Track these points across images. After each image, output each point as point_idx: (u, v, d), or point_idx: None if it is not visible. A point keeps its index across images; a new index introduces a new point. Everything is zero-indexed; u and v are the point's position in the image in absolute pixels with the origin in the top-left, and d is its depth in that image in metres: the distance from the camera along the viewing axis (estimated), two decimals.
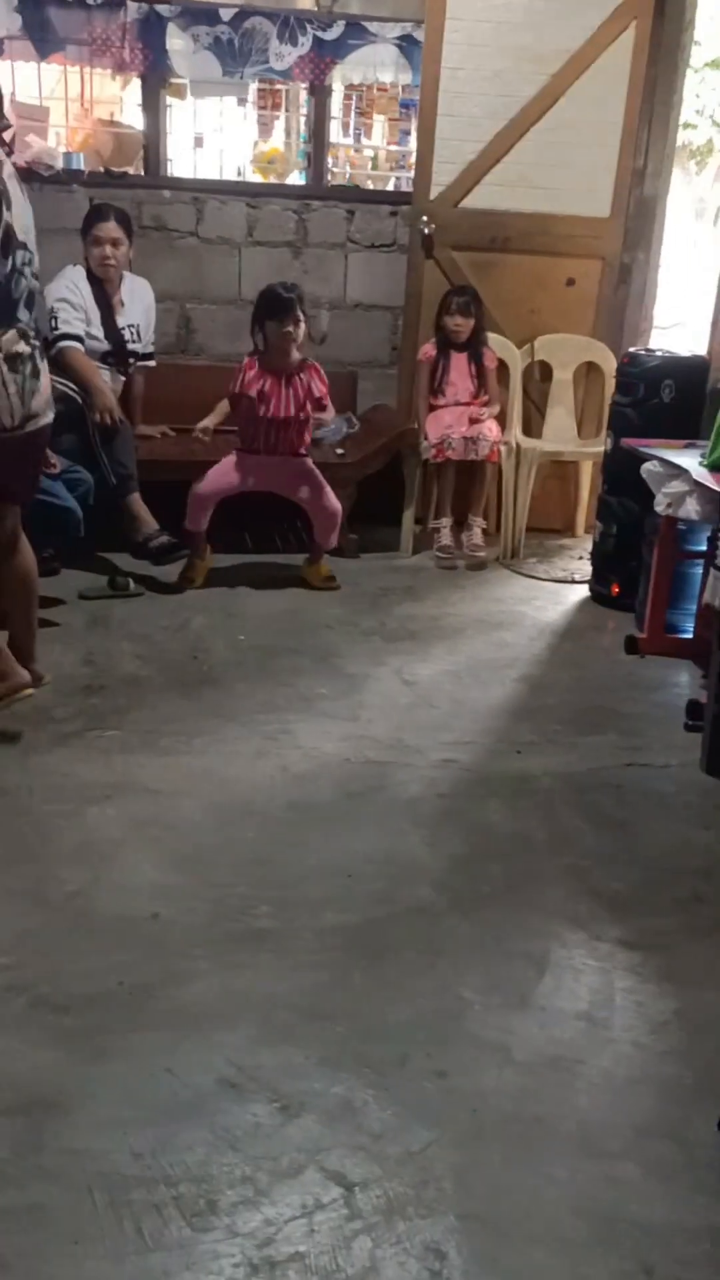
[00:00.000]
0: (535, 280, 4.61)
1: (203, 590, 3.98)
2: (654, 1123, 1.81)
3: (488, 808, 2.71)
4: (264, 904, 2.29)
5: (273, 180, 5.12)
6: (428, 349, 4.50)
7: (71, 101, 5.17)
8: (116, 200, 4.35)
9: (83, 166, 4.70)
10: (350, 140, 5.70)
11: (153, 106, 4.68)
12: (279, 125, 5.86)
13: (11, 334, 2.68)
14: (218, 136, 5.36)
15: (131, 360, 4.21)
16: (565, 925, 2.29)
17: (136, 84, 4.86)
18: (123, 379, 4.21)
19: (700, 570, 3.54)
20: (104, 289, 4.09)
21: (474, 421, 4.36)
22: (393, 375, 4.83)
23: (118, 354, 4.14)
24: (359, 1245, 1.56)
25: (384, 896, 2.35)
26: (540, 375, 4.74)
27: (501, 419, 4.54)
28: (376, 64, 4.60)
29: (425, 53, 4.35)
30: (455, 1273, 1.53)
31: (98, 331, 4.07)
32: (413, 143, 5.13)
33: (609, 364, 4.59)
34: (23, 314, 2.72)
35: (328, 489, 4.02)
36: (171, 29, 4.45)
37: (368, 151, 5.85)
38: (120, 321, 4.14)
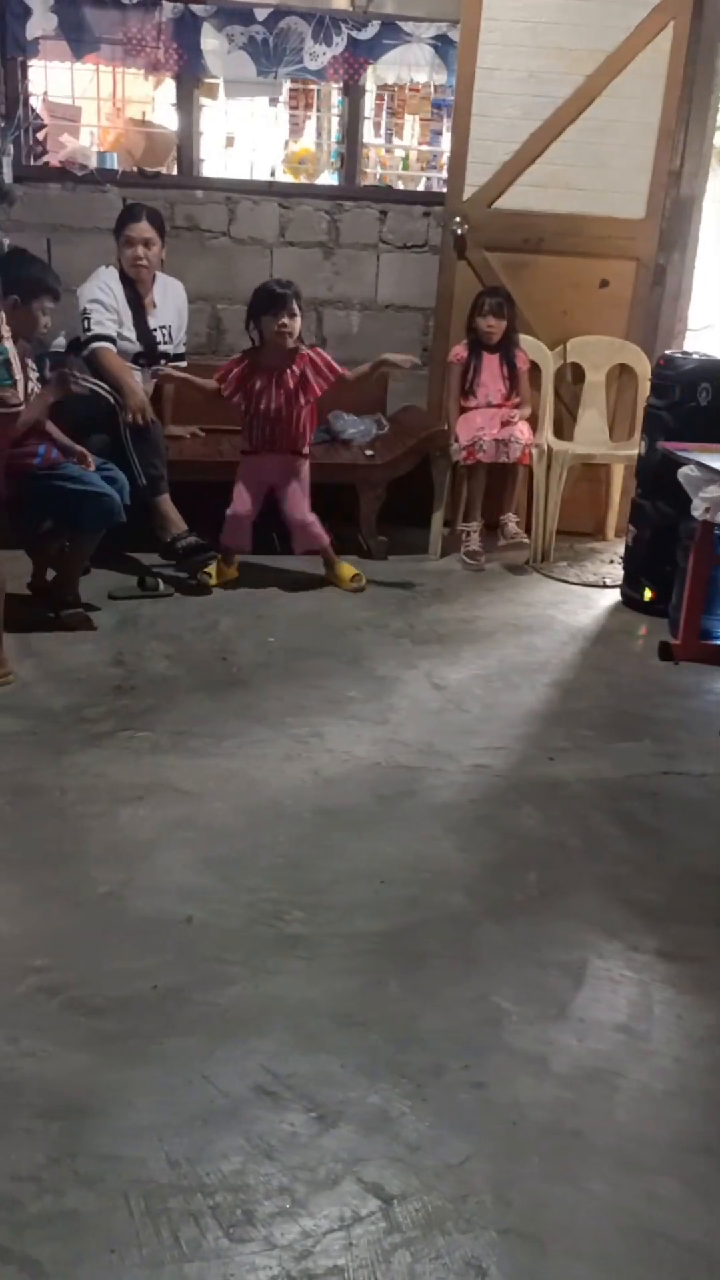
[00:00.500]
0: (568, 281, 4.58)
1: (231, 591, 3.97)
2: (695, 1138, 1.78)
3: (520, 814, 2.69)
4: (296, 909, 2.27)
5: (304, 180, 5.11)
6: (459, 350, 4.48)
7: (104, 101, 5.19)
8: (149, 200, 4.36)
9: (116, 166, 4.70)
10: (381, 140, 5.68)
11: (186, 106, 4.68)
12: (310, 125, 5.85)
13: None
14: (249, 136, 5.36)
15: (163, 361, 4.21)
16: (601, 935, 2.26)
17: (169, 83, 4.87)
18: (154, 380, 4.21)
19: None
20: (136, 290, 4.09)
21: (505, 424, 4.33)
22: (423, 376, 4.80)
23: (149, 355, 4.14)
24: (398, 1260, 1.54)
25: (417, 903, 2.33)
26: (572, 377, 4.70)
27: (533, 421, 4.51)
28: (411, 64, 4.59)
29: (460, 53, 4.33)
30: None
31: (129, 332, 4.07)
32: (444, 143, 5.12)
33: (642, 366, 4.56)
34: None
35: (304, 498, 3.99)
36: (206, 29, 4.45)
37: (399, 152, 5.83)
38: (152, 323, 4.14)
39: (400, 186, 5.37)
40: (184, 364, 4.34)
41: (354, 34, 4.51)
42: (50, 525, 3.61)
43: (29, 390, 3.46)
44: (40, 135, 4.70)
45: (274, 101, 5.37)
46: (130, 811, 2.58)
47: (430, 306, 4.73)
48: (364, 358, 4.68)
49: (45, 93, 4.78)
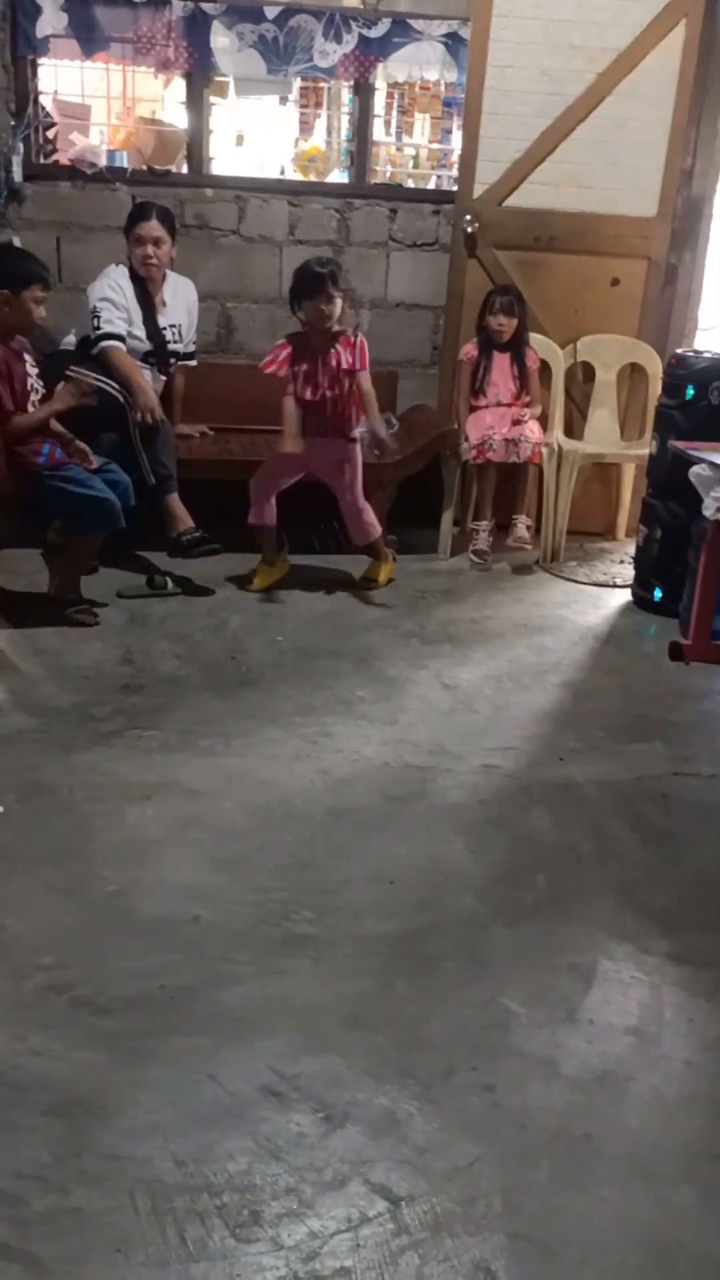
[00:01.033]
0: (579, 280, 4.56)
1: (239, 590, 3.96)
2: (708, 1145, 1.76)
3: (531, 816, 2.67)
4: (305, 909, 2.26)
5: (314, 179, 5.10)
6: (469, 349, 4.46)
7: (114, 99, 5.18)
8: (159, 198, 4.35)
9: (125, 164, 4.70)
10: (392, 139, 5.67)
11: (196, 105, 4.68)
12: (320, 123, 5.84)
13: None
14: (259, 135, 5.36)
15: (172, 360, 4.20)
16: (612, 938, 2.24)
17: (178, 82, 4.86)
18: (164, 379, 4.21)
19: None
20: (146, 288, 4.08)
21: (515, 423, 4.31)
22: (433, 375, 4.79)
23: (159, 354, 4.14)
24: (406, 1262, 1.52)
25: (426, 904, 2.31)
26: (583, 376, 4.68)
27: (543, 420, 4.49)
28: (422, 62, 4.57)
29: (471, 50, 4.31)
30: None
31: (139, 331, 4.06)
32: (455, 141, 5.11)
33: (653, 365, 4.53)
34: None
35: (358, 484, 3.97)
36: (216, 27, 4.45)
37: (409, 150, 5.82)
38: (162, 321, 4.13)
39: (410, 185, 5.35)
40: (193, 363, 4.34)
41: (365, 32, 4.50)
42: (57, 525, 3.62)
43: (30, 388, 3.46)
44: (50, 134, 4.70)
45: (284, 100, 5.37)
46: (138, 810, 2.58)
47: (440, 305, 4.72)
48: (375, 356, 4.66)
49: (55, 91, 4.78)
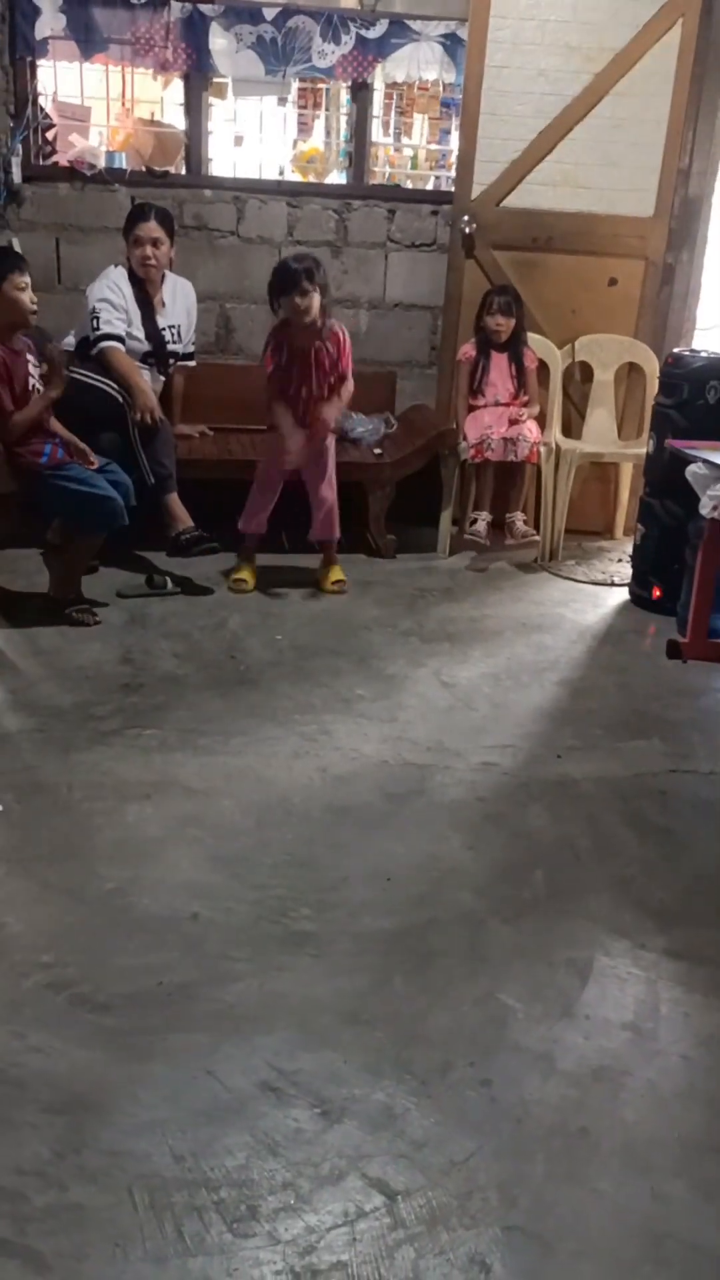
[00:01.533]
0: (577, 280, 4.57)
1: (233, 592, 3.96)
2: (703, 1139, 1.77)
3: (529, 813, 2.68)
4: (303, 906, 2.27)
5: (312, 179, 5.10)
6: (467, 349, 4.48)
7: (112, 101, 5.19)
8: (158, 200, 4.37)
9: (124, 166, 4.71)
10: (390, 139, 5.67)
11: (195, 106, 4.69)
12: (319, 124, 5.84)
13: None
14: (257, 136, 5.36)
15: (172, 360, 4.21)
16: (609, 934, 2.25)
17: (177, 83, 4.87)
18: (163, 379, 4.22)
19: None
20: (145, 289, 4.10)
21: (513, 422, 4.33)
22: (432, 375, 4.80)
23: (158, 354, 4.15)
24: (402, 1256, 1.53)
25: (424, 901, 2.32)
26: (581, 376, 4.69)
27: (541, 420, 4.50)
28: (420, 62, 4.58)
29: (469, 51, 4.32)
30: None
31: (138, 332, 4.08)
32: (453, 142, 5.11)
33: (651, 365, 4.54)
34: None
35: (332, 479, 3.97)
36: (214, 28, 4.46)
37: (407, 151, 5.82)
38: (161, 322, 4.14)
39: (409, 185, 5.35)
40: (193, 363, 4.35)
41: (363, 32, 4.51)
42: (57, 525, 3.63)
43: (33, 389, 3.46)
44: (49, 135, 4.71)
45: (282, 101, 5.37)
46: (138, 809, 2.59)
47: (438, 305, 4.73)
48: (373, 357, 4.71)
49: (54, 93, 4.79)
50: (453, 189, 4.56)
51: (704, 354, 3.99)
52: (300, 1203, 1.60)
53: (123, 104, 5.26)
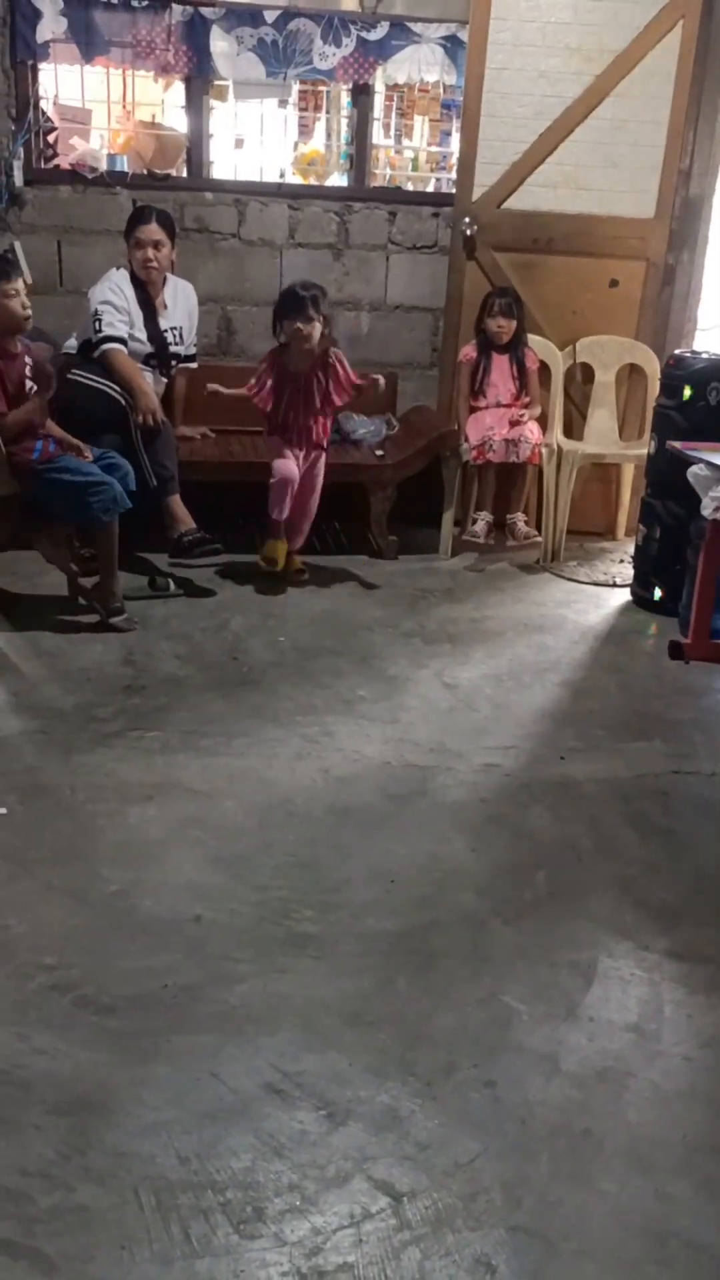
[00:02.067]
0: (578, 282, 4.57)
1: (241, 591, 3.98)
2: (706, 1139, 1.78)
3: (531, 814, 2.68)
4: (306, 907, 2.28)
5: (313, 182, 5.11)
6: (469, 350, 4.48)
7: (113, 104, 5.20)
8: (159, 202, 4.37)
9: (126, 168, 4.72)
10: (391, 141, 5.68)
11: (196, 108, 4.69)
12: (320, 127, 5.85)
13: None
14: (258, 138, 5.36)
15: (173, 362, 4.22)
16: (612, 935, 2.25)
17: (178, 86, 4.88)
18: (165, 381, 4.22)
19: None
20: (147, 291, 4.10)
21: (515, 423, 4.33)
22: (433, 377, 4.81)
23: (160, 356, 4.15)
24: (408, 1257, 1.54)
25: (427, 902, 2.33)
26: (582, 377, 4.70)
27: (543, 421, 4.50)
28: (421, 64, 4.59)
29: (470, 53, 4.33)
30: None
31: (140, 334, 4.08)
32: (454, 144, 5.11)
33: (652, 366, 4.55)
34: None
35: (317, 490, 4.05)
36: (215, 31, 4.46)
37: (408, 153, 5.82)
38: (163, 324, 4.15)
39: (409, 187, 5.36)
40: (194, 365, 4.35)
41: (363, 35, 4.51)
42: (61, 521, 3.62)
43: (28, 391, 3.47)
44: (51, 138, 4.72)
45: (283, 103, 5.38)
46: (140, 810, 2.59)
47: (439, 307, 4.73)
48: (374, 359, 4.72)
49: (55, 96, 4.80)
50: (453, 191, 4.56)
51: (705, 355, 4.00)
52: (306, 1204, 1.61)
53: (124, 107, 5.27)
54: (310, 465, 4.05)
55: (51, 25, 4.40)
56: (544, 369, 4.55)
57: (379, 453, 4.39)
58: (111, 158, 4.76)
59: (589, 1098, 1.84)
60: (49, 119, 4.73)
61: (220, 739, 2.93)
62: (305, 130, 5.78)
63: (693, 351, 4.14)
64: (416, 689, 3.31)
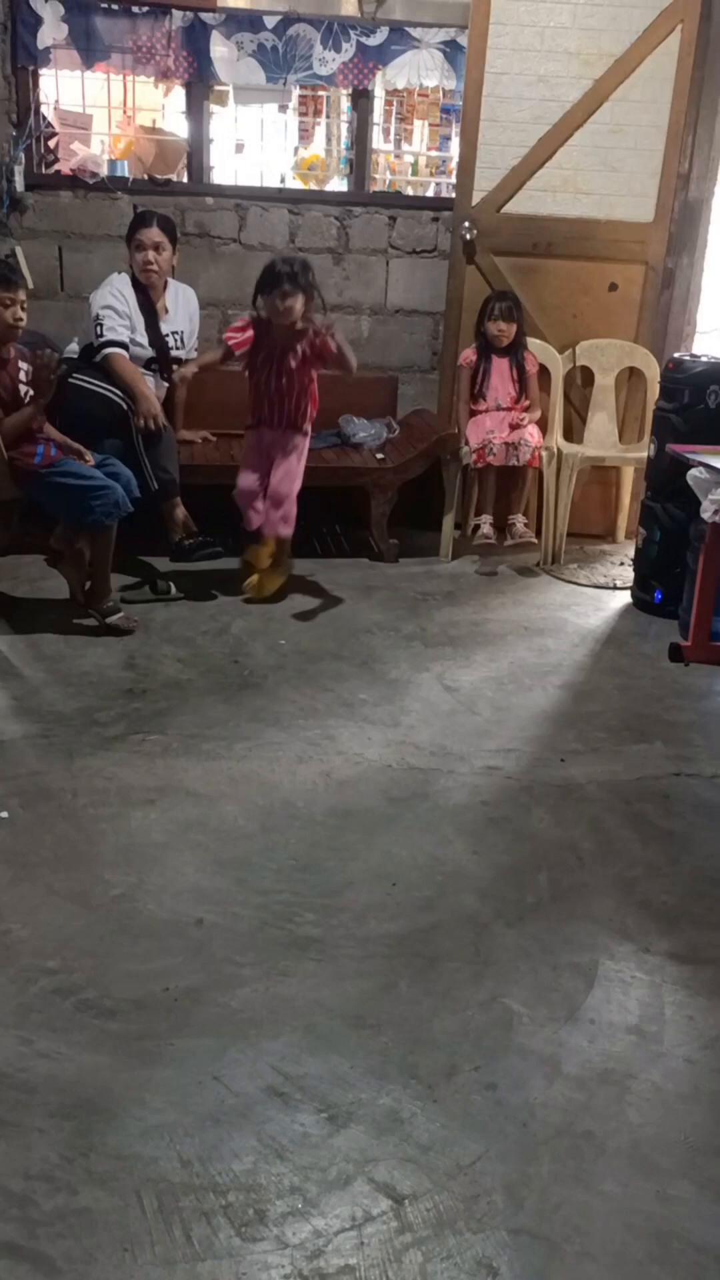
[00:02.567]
0: (578, 285, 4.58)
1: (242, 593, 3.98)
2: (708, 1140, 1.78)
3: (533, 816, 2.69)
4: (308, 910, 2.28)
5: (314, 186, 5.13)
6: (469, 354, 4.49)
7: (114, 109, 5.22)
8: (160, 207, 4.38)
9: (127, 174, 4.73)
10: (390, 146, 5.70)
11: (196, 113, 4.71)
12: (320, 131, 5.88)
13: None
14: (258, 143, 5.39)
15: (175, 366, 4.23)
16: (613, 937, 2.26)
17: (178, 91, 4.90)
18: (166, 385, 4.23)
19: None
20: (148, 295, 4.11)
21: (515, 427, 4.34)
22: (433, 380, 4.82)
23: (161, 360, 4.16)
24: (409, 1259, 1.54)
25: (429, 905, 2.33)
26: (582, 380, 4.71)
27: (543, 424, 4.51)
28: (421, 69, 4.61)
29: (469, 58, 4.34)
30: None
31: (142, 338, 4.09)
32: (453, 148, 5.13)
33: (651, 369, 4.56)
34: None
35: (297, 476, 3.89)
36: (215, 36, 4.48)
37: (408, 157, 5.85)
38: (164, 328, 4.16)
39: (409, 192, 5.38)
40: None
41: (363, 40, 4.53)
42: (63, 524, 3.63)
43: (24, 396, 3.48)
44: (52, 143, 4.74)
45: (283, 108, 5.41)
46: (142, 814, 2.59)
47: (440, 311, 4.74)
48: (375, 363, 4.73)
49: (56, 101, 4.82)
50: (453, 195, 4.57)
51: (704, 358, 4.01)
52: (308, 1207, 1.61)
53: (124, 112, 5.30)
54: (284, 448, 3.90)
55: (52, 31, 4.42)
56: (544, 372, 4.56)
57: (379, 456, 4.39)
58: (112, 163, 4.78)
59: (591, 1099, 1.85)
60: (50, 124, 4.75)
61: (222, 742, 2.94)
62: (305, 135, 5.81)
63: (692, 355, 4.14)
64: (418, 692, 3.32)
